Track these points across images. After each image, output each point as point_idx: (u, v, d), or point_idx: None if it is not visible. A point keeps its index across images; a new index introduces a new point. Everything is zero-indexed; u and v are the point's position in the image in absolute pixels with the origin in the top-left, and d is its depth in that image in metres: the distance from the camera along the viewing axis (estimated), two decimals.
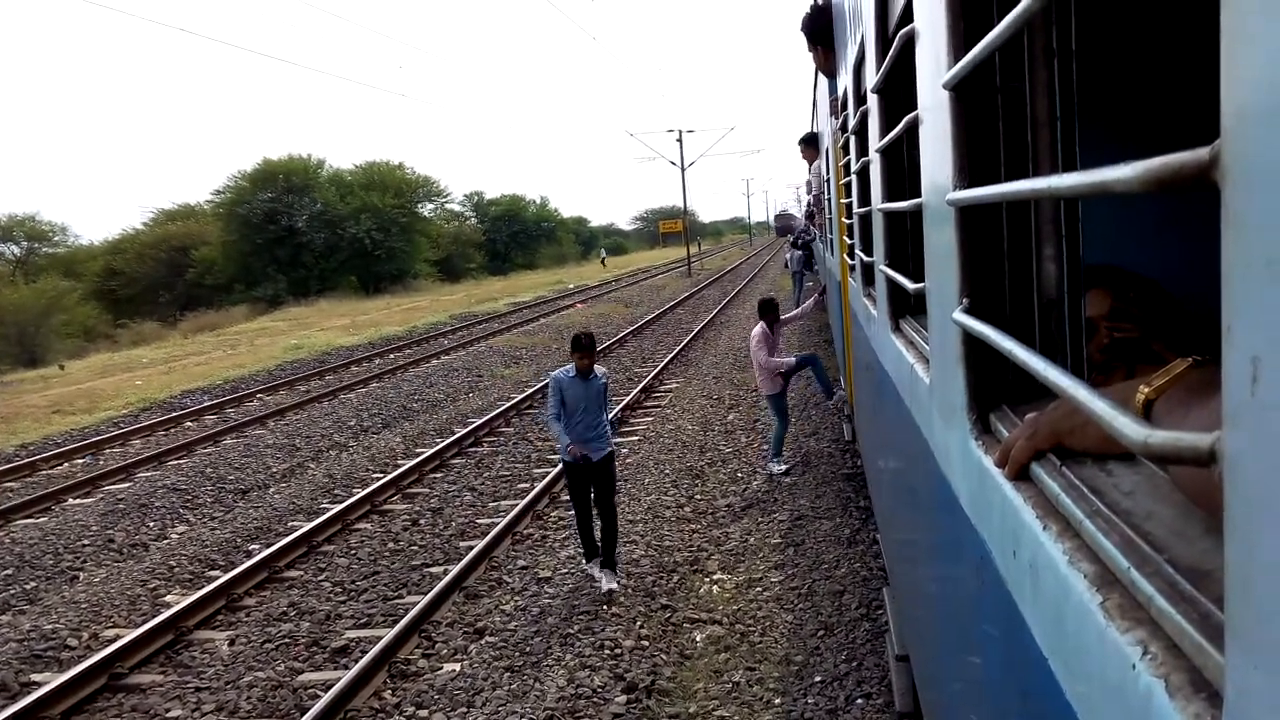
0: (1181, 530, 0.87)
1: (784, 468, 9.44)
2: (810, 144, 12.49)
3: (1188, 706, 0.66)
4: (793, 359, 9.72)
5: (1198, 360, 1.05)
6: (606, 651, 5.82)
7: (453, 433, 12.39)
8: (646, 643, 5.97)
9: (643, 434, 11.64)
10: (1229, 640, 0.58)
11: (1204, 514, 0.88)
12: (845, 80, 5.01)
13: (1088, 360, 1.52)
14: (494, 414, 13.03)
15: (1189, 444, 0.63)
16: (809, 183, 14.17)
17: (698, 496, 9.01)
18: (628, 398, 13.45)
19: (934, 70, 1.61)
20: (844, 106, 5.28)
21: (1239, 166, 0.52)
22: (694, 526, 8.18)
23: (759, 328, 9.53)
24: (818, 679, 5.40)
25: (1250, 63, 0.51)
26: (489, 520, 8.72)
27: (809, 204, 14.13)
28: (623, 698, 5.28)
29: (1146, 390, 1.06)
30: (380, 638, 6.14)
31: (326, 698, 5.33)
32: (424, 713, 5.39)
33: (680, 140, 47.27)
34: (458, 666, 5.89)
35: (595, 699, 5.29)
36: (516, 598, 6.85)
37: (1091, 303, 1.83)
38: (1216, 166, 0.55)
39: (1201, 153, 0.57)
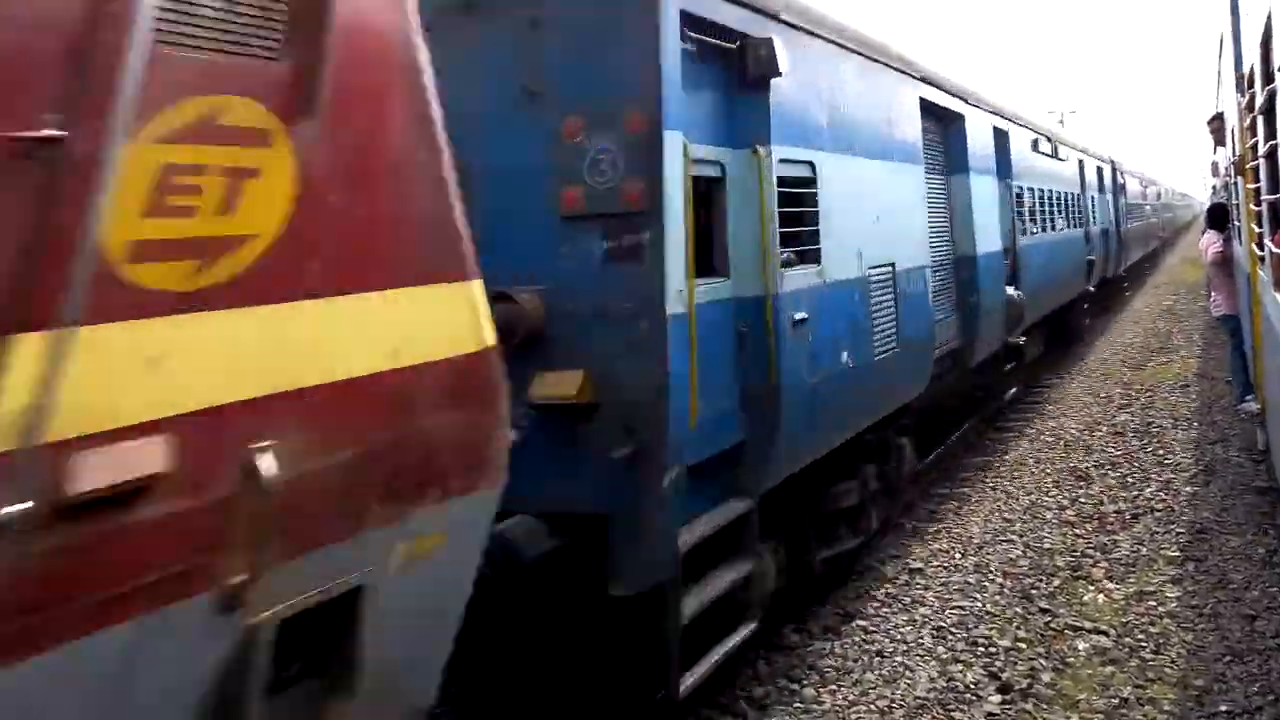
0: None
1: (1258, 407, 8.05)
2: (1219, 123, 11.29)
3: None
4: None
5: None
6: (980, 648, 5.79)
7: None
8: (1024, 645, 5.83)
9: (1020, 430, 11.21)
10: None
11: None
12: (1251, 54, 4.57)
13: None
14: None
15: None
16: (1214, 164, 12.78)
17: (1082, 499, 8.51)
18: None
19: None
20: (1250, 84, 4.79)
21: None
22: (1078, 531, 7.76)
23: (1208, 235, 9.12)
24: (1223, 708, 4.96)
25: None
26: None
27: (1214, 188, 12.72)
28: (997, 697, 5.24)
29: None
30: None
31: None
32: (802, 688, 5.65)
33: None
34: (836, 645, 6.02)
35: (968, 695, 5.30)
36: (888, 585, 6.89)
37: None
38: None
39: None
